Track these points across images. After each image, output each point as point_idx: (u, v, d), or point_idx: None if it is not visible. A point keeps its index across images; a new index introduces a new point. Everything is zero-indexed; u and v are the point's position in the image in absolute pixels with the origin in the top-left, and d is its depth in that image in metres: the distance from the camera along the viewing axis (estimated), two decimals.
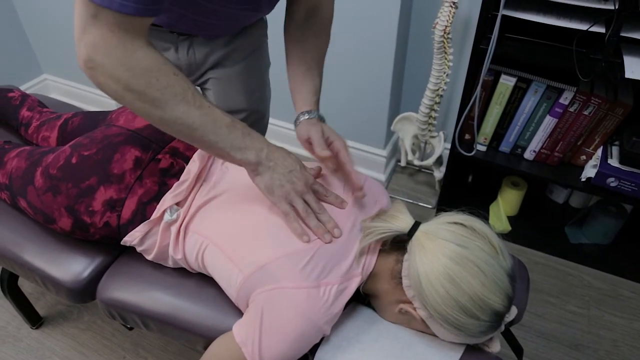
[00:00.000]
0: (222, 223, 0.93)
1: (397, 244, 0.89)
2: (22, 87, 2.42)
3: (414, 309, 0.84)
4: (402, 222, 0.87)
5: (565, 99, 1.48)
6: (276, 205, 0.89)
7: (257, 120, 1.34)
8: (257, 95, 1.31)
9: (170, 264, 1.03)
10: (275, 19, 1.14)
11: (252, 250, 0.88)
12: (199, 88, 1.27)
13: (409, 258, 0.83)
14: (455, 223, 0.83)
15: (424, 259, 0.80)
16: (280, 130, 2.16)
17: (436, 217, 0.87)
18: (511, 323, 1.02)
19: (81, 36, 0.72)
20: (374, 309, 0.96)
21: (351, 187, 0.96)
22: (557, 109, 1.51)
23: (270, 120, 1.45)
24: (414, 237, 0.84)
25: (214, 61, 1.18)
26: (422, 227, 0.84)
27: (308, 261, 0.84)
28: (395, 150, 2.16)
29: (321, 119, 1.01)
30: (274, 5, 1.04)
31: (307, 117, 0.99)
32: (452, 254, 0.78)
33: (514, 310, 0.84)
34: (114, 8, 0.69)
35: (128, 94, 0.76)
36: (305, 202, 0.89)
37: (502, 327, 0.84)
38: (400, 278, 0.85)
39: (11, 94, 1.39)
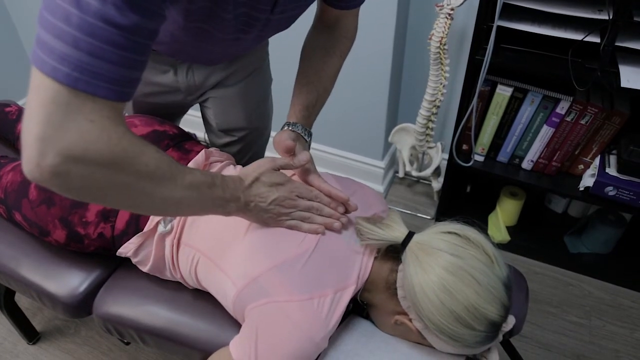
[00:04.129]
0: (212, 235, 0.93)
1: (392, 253, 0.89)
2: (20, 102, 2.42)
3: (410, 320, 0.83)
4: (395, 231, 0.86)
5: (561, 108, 1.48)
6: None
7: (257, 136, 1.34)
8: (258, 112, 1.30)
9: (167, 275, 1.02)
10: (281, 35, 1.12)
11: (243, 261, 0.87)
12: (198, 105, 1.28)
13: (403, 269, 0.82)
14: (449, 232, 0.82)
15: (418, 269, 0.79)
16: None
17: (430, 227, 0.86)
18: (511, 334, 1.01)
19: (52, 133, 0.53)
20: (372, 321, 0.95)
21: (339, 203, 0.94)
22: (553, 119, 1.51)
23: (272, 133, 1.44)
24: (407, 248, 0.83)
25: (214, 82, 1.17)
26: (416, 237, 0.84)
27: (300, 270, 0.83)
28: (393, 162, 2.16)
29: (305, 134, 0.99)
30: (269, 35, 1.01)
31: (290, 128, 0.98)
32: (446, 264, 0.78)
33: (511, 320, 0.83)
34: (100, 94, 0.54)
35: (111, 192, 0.62)
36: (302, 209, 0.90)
37: (500, 337, 0.83)
38: (395, 289, 0.84)
39: (8, 109, 1.40)
